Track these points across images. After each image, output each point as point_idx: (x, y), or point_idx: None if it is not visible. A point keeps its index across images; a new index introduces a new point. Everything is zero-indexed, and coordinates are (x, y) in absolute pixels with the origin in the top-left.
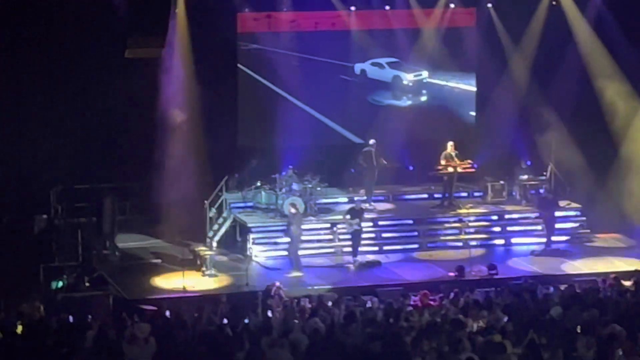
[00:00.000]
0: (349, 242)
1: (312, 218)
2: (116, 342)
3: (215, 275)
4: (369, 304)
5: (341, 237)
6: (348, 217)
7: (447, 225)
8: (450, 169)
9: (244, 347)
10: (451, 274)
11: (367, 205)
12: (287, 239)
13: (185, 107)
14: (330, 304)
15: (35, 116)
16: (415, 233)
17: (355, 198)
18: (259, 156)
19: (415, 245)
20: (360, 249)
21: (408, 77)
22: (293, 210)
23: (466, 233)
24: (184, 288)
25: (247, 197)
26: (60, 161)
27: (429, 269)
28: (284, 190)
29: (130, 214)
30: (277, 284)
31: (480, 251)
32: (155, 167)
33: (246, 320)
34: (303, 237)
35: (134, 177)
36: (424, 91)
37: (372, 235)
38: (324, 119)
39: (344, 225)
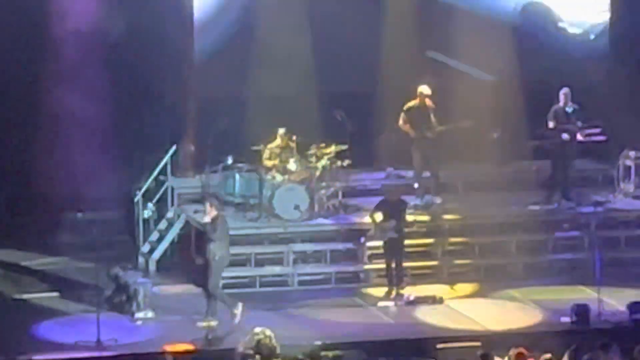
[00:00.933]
0: (383, 262)
1: (325, 221)
2: None
3: (152, 320)
4: None
5: (371, 253)
6: (378, 216)
7: (558, 235)
8: (565, 136)
9: None
10: (565, 318)
11: (417, 199)
12: (201, 262)
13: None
14: None
15: None
16: (499, 249)
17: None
18: (230, 112)
19: (502, 272)
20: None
21: None
22: (213, 213)
23: (589, 247)
24: (100, 343)
25: (210, 184)
26: None
27: (524, 311)
28: (273, 171)
29: (10, 216)
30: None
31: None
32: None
33: None
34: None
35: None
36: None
37: (423, 249)
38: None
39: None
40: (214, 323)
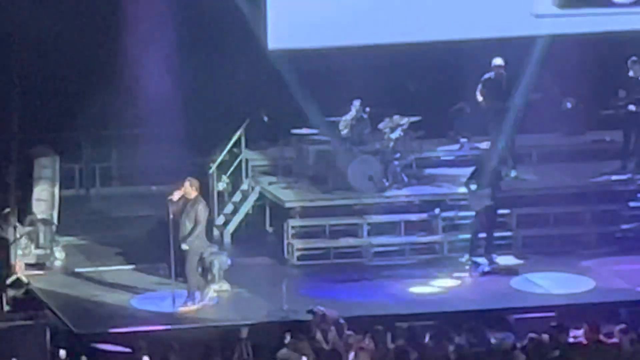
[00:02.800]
0: (464, 235)
1: (399, 192)
2: None
3: (227, 293)
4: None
5: (446, 224)
6: (473, 185)
7: (632, 205)
8: (631, 107)
9: None
10: None
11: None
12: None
13: None
14: (427, 338)
15: None
16: (574, 220)
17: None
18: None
19: (575, 242)
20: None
21: None
22: (193, 194)
23: None
24: (176, 315)
25: (284, 156)
26: None
27: (601, 283)
28: (347, 144)
29: (84, 186)
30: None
31: None
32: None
33: None
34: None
35: (84, 129)
36: None
37: (500, 221)
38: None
39: (465, 202)
40: (194, 307)
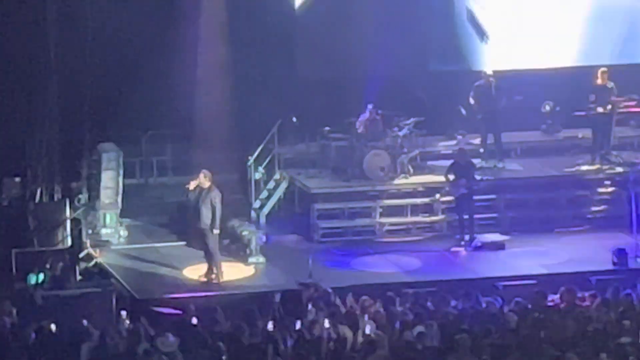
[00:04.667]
0: (455, 214)
1: (405, 180)
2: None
3: (262, 264)
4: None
5: (445, 207)
6: (451, 176)
7: (600, 190)
8: (600, 109)
9: None
10: (607, 261)
11: (482, 162)
12: (217, 232)
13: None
14: (429, 302)
15: None
16: (552, 203)
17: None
18: (326, 91)
19: (552, 222)
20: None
21: None
22: (206, 184)
23: (628, 200)
24: (219, 283)
25: (310, 150)
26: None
27: (573, 255)
28: (363, 140)
29: (144, 176)
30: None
31: None
32: (174, 115)
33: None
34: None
35: (143, 128)
36: None
37: (489, 204)
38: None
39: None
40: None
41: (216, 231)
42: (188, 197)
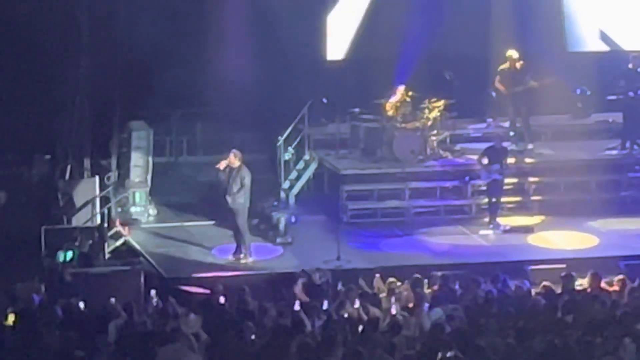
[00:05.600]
0: (486, 200)
1: (435, 163)
2: (153, 338)
3: (291, 245)
4: (512, 287)
5: (474, 190)
6: (485, 160)
7: (631, 175)
8: (631, 93)
9: (334, 352)
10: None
11: (512, 145)
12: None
13: None
14: (457, 285)
15: None
16: (582, 187)
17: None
18: (355, 71)
19: (582, 206)
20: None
21: None
22: (236, 164)
23: None
24: (247, 263)
25: (340, 132)
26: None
27: (604, 240)
28: (393, 122)
29: (174, 155)
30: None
31: None
32: (204, 94)
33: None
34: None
35: (174, 106)
36: None
37: (518, 188)
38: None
39: (479, 174)
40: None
41: (230, 204)
42: (218, 177)
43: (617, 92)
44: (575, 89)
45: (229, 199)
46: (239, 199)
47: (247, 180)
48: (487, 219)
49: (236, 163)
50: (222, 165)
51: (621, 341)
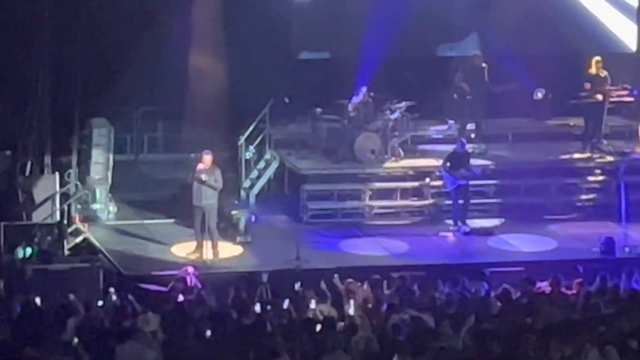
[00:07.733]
0: (449, 202)
1: (396, 164)
2: (111, 335)
3: (250, 244)
4: (471, 290)
5: (434, 191)
6: (448, 165)
7: (590, 179)
8: (598, 97)
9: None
10: (595, 249)
11: (473, 147)
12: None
13: None
14: (416, 287)
15: None
16: (542, 190)
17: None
18: (319, 72)
19: (541, 209)
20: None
21: None
22: (207, 164)
23: (617, 189)
24: (206, 262)
25: (301, 131)
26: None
27: (562, 244)
28: (354, 122)
29: (134, 152)
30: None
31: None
32: (166, 92)
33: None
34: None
35: (135, 104)
36: None
37: (478, 190)
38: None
39: (441, 175)
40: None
41: (205, 202)
42: (199, 178)
43: (578, 96)
44: (536, 91)
45: (203, 199)
46: (212, 199)
47: (220, 180)
48: (450, 221)
49: (210, 163)
50: (201, 166)
51: (582, 346)
